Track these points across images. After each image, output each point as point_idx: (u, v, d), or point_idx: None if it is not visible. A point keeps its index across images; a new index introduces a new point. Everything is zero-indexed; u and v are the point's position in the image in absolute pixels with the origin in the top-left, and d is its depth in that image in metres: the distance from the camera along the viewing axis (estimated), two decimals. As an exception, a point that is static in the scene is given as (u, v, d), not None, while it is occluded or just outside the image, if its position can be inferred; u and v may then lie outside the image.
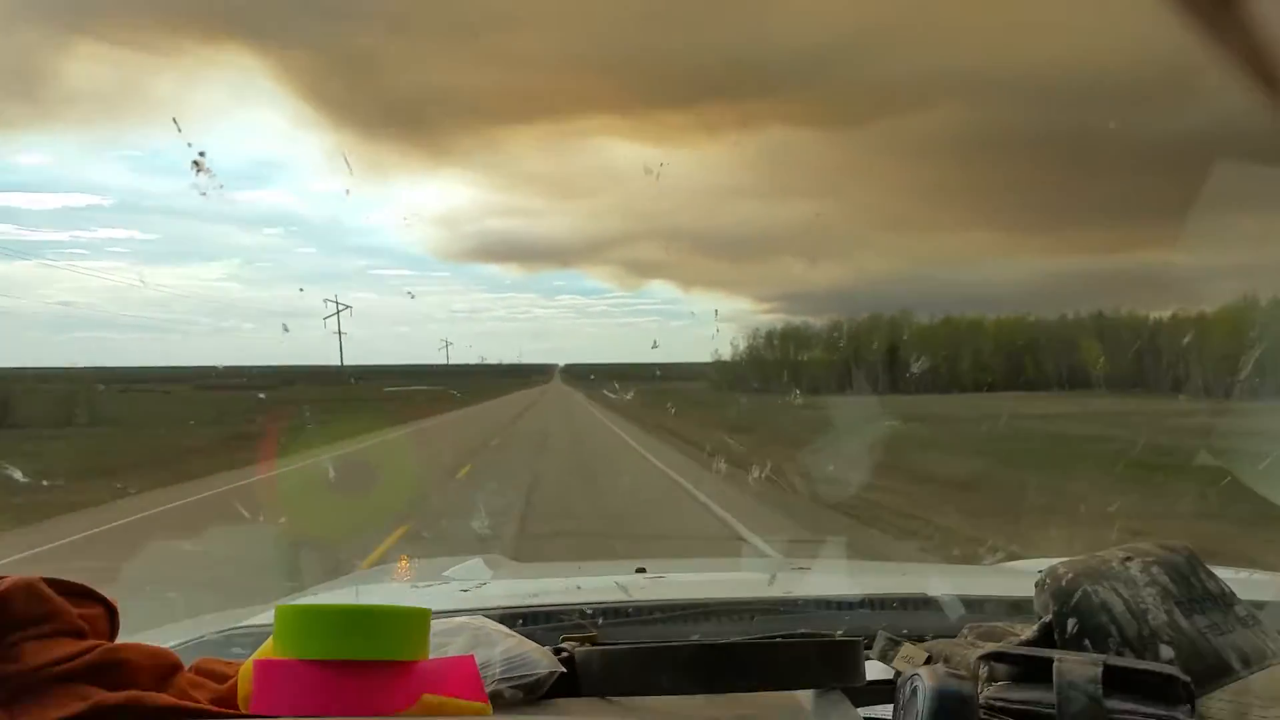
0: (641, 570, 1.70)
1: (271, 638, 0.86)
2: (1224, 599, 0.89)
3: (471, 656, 0.87)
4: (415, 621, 0.85)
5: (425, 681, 0.83)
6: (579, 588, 1.54)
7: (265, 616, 1.37)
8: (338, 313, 66.68)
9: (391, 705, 0.81)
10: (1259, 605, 1.10)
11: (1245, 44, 0.35)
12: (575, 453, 21.31)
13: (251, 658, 0.87)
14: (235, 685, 0.88)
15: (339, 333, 64.83)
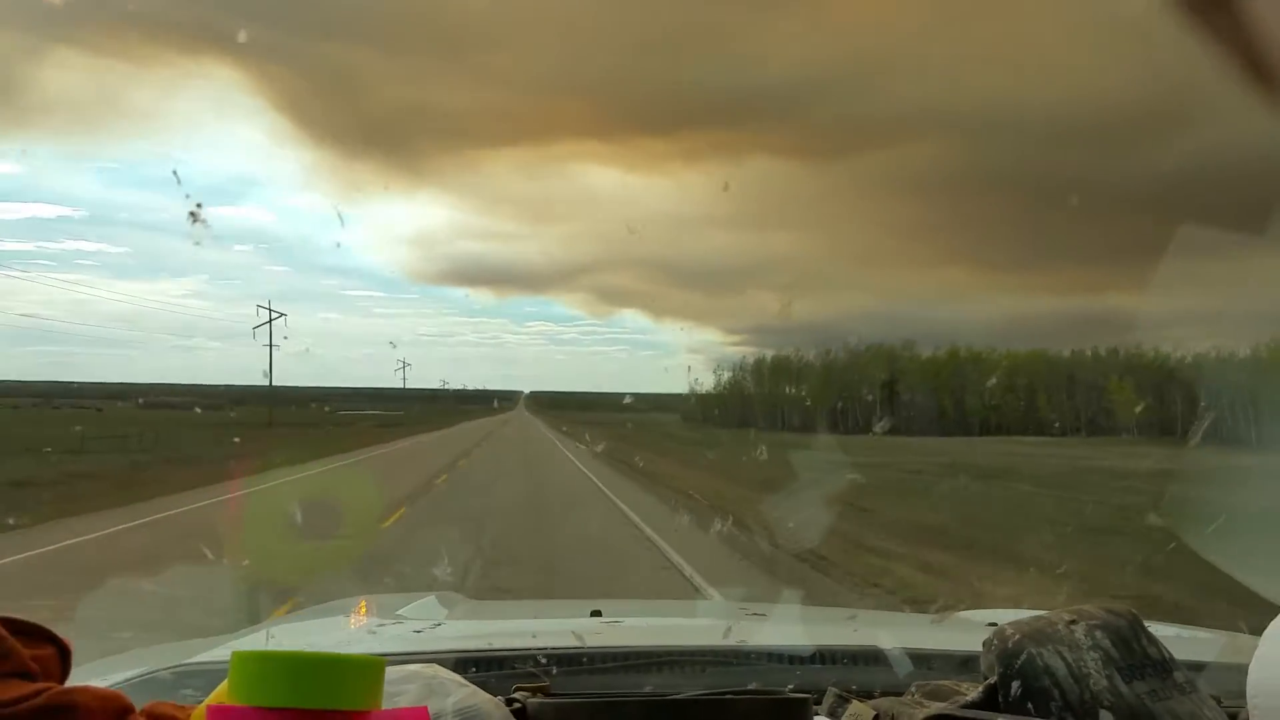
0: (597, 613, 1.70)
1: (225, 682, 0.86)
2: (1164, 665, 0.91)
3: (424, 708, 0.87)
4: (370, 671, 0.84)
5: None
6: (533, 633, 1.54)
7: (216, 653, 1.35)
8: (269, 321, 62.48)
9: None
10: (1198, 666, 1.13)
11: (1244, 46, 0.35)
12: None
13: (205, 703, 0.87)
14: None
15: (269, 345, 61.30)
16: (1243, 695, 0.95)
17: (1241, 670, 0.95)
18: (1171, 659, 0.93)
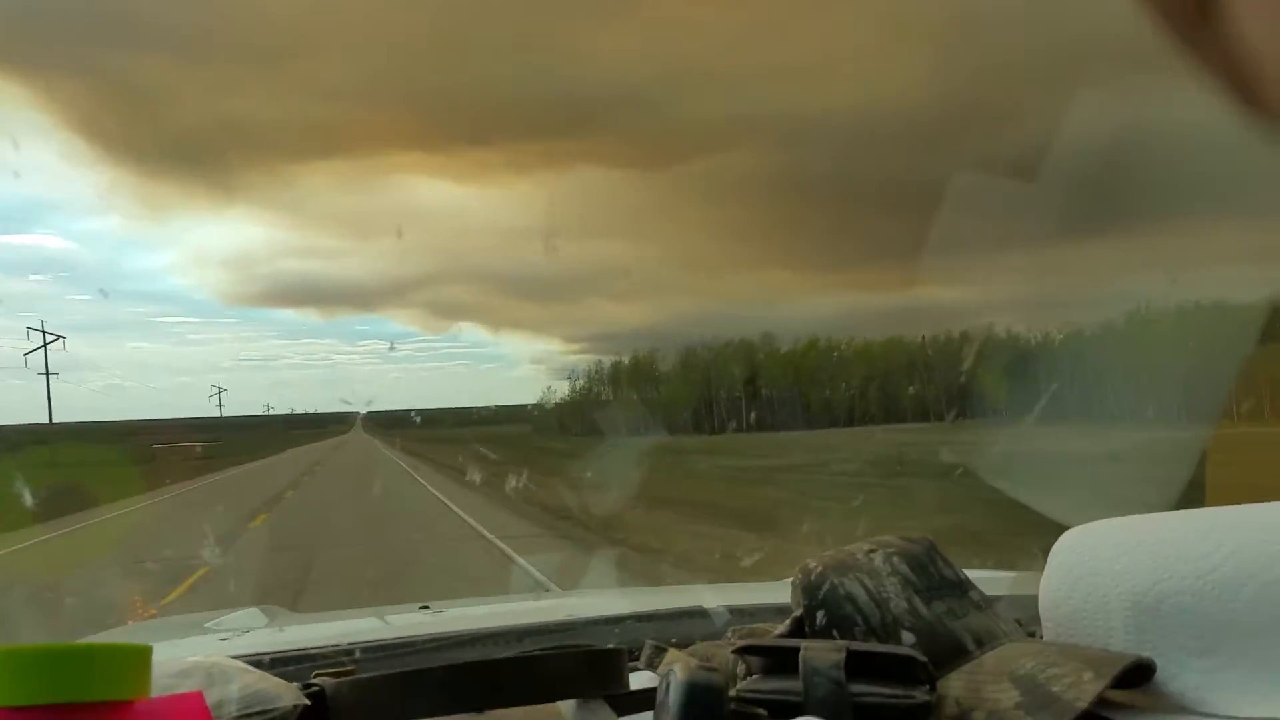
0: (426, 608, 1.64)
1: None
2: (959, 586, 0.94)
3: (199, 693, 0.79)
4: (131, 658, 0.77)
5: None
6: (345, 628, 1.46)
7: None
8: (45, 345, 56.91)
9: None
10: (995, 599, 1.18)
11: (1227, 62, 0.34)
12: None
13: None
14: None
15: (46, 373, 55.84)
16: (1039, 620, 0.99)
17: (1036, 599, 1.00)
18: (967, 580, 0.96)
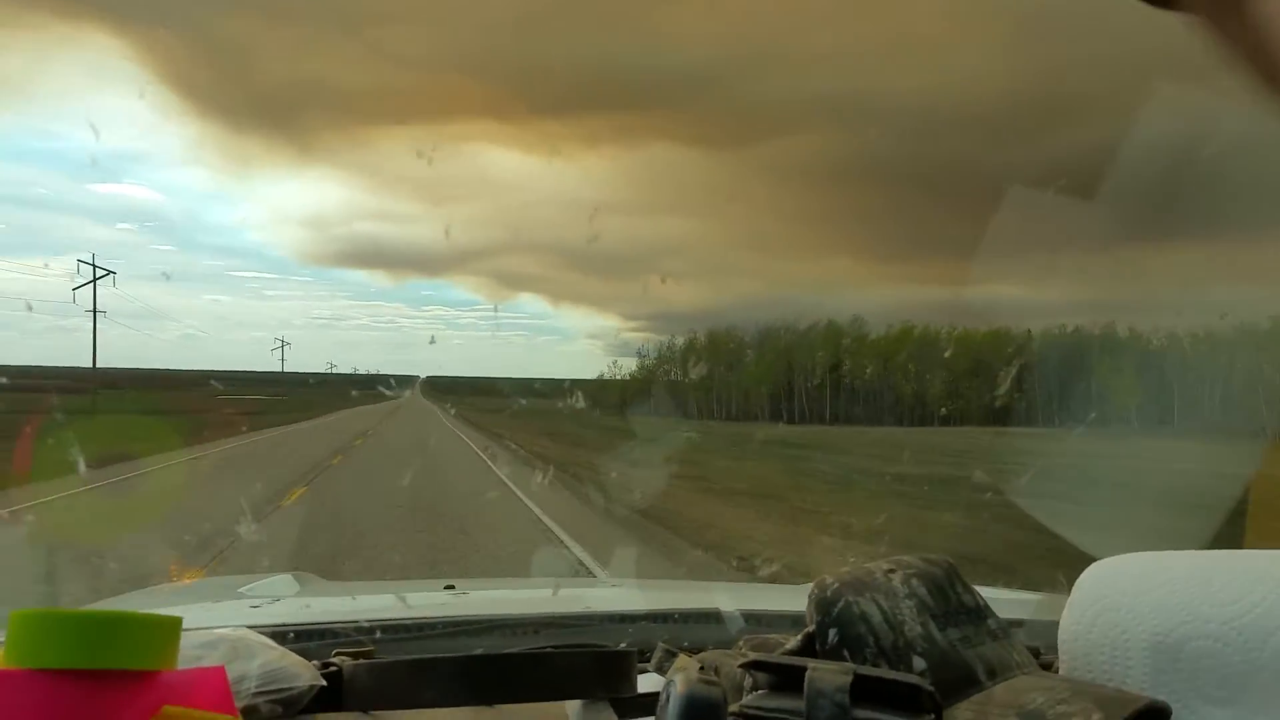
0: (450, 587, 1.67)
1: (3, 647, 0.80)
2: (977, 613, 0.93)
3: (222, 668, 0.82)
4: (162, 629, 0.80)
5: (169, 693, 0.78)
6: (368, 606, 1.49)
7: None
8: (94, 280, 49.62)
9: (129, 716, 0.76)
10: (1016, 624, 1.16)
11: (1255, 50, 0.35)
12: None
13: None
14: None
15: (94, 310, 49.15)
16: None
17: (1057, 625, 0.98)
18: (986, 607, 0.95)
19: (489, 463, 21.71)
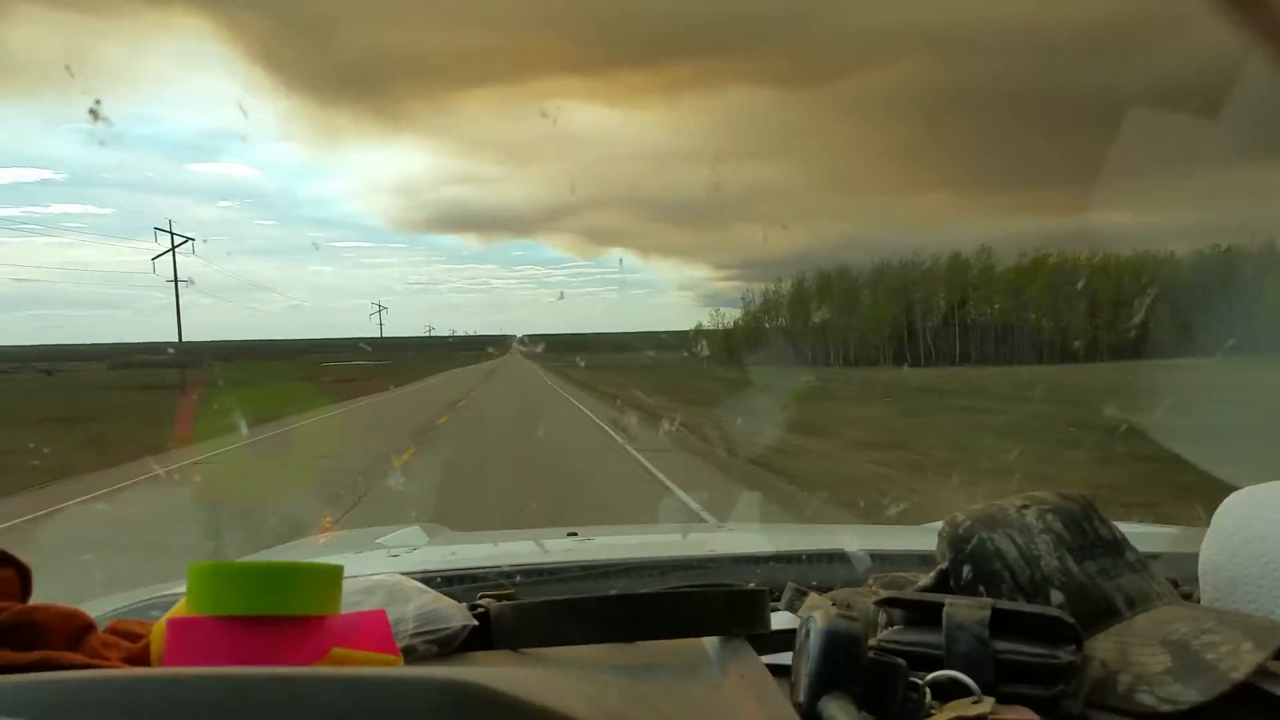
0: (573, 534, 1.72)
1: (184, 597, 0.87)
2: (1115, 545, 0.92)
3: (383, 611, 0.88)
4: (326, 577, 0.85)
5: (335, 635, 0.84)
6: (504, 553, 1.55)
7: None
8: (173, 249, 44.55)
9: (301, 658, 0.82)
10: (1152, 557, 1.14)
11: (1274, 26, 0.35)
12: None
13: (165, 617, 0.87)
14: (149, 645, 0.89)
15: (175, 280, 44.77)
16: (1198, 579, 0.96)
17: (1197, 557, 0.97)
18: (1124, 540, 0.94)
19: (618, 439, 16.57)
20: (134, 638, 0.91)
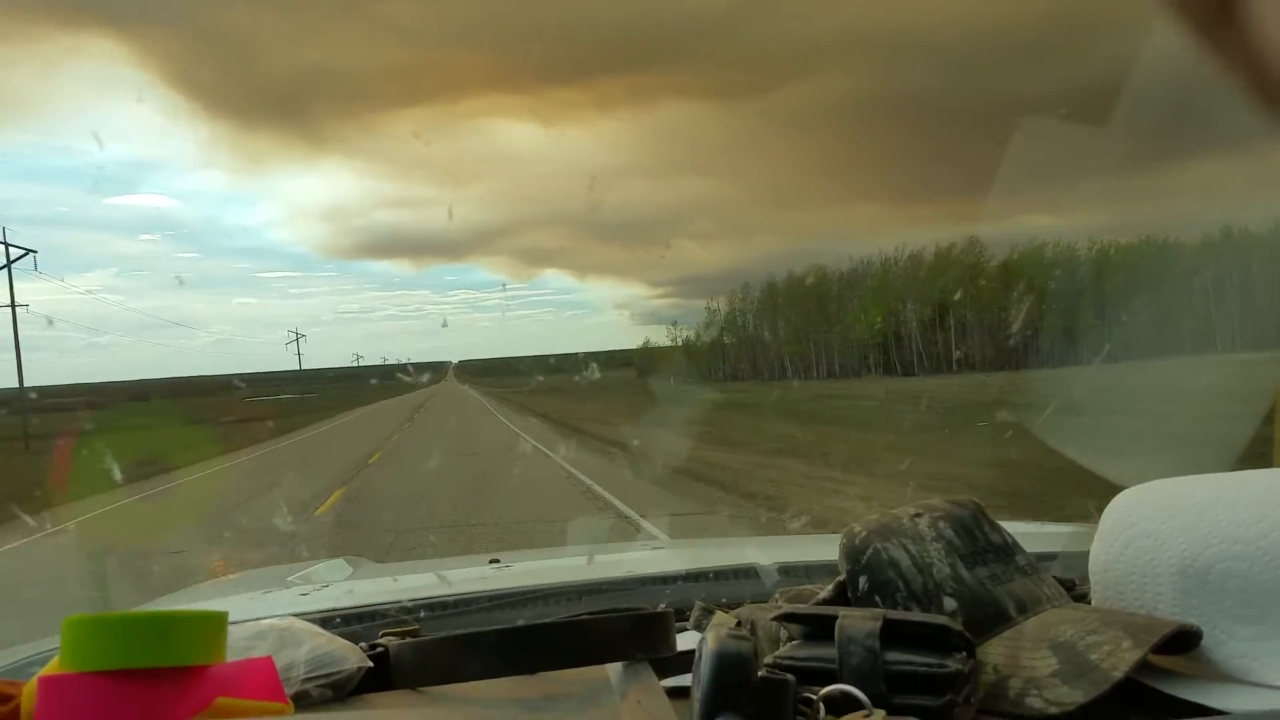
0: (495, 561, 1.70)
1: (58, 653, 0.83)
2: (1006, 550, 0.93)
3: (269, 658, 0.85)
4: (208, 625, 0.82)
5: (219, 685, 0.81)
6: (412, 586, 1.53)
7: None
8: (9, 264, 35.35)
9: (182, 711, 0.78)
10: (1048, 556, 1.17)
11: (1248, 62, 0.35)
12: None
13: (37, 675, 0.83)
14: (19, 706, 0.84)
15: (12, 304, 35.45)
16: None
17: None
18: (1014, 544, 0.95)
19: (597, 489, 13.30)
20: (3, 699, 0.86)
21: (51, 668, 0.83)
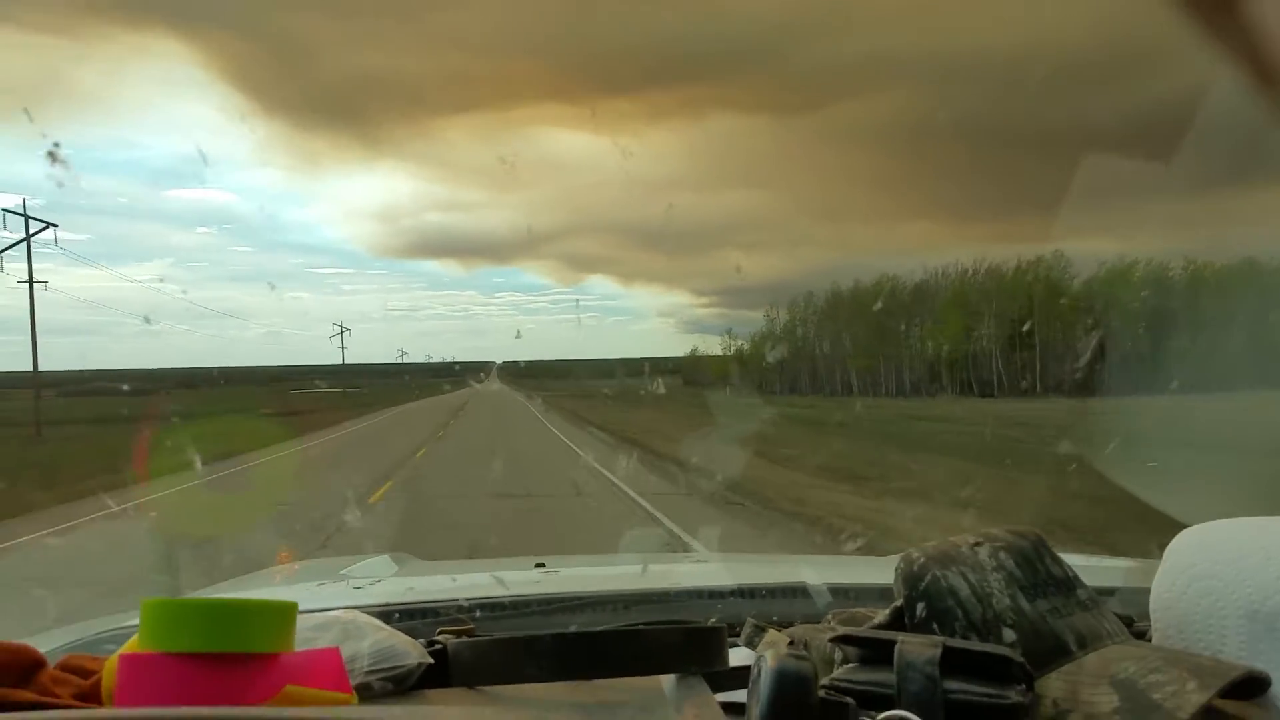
0: (540, 565, 1.72)
1: (137, 633, 0.86)
2: (1067, 583, 0.93)
3: (336, 649, 0.88)
4: (280, 614, 0.85)
5: (288, 673, 0.84)
6: (466, 585, 1.55)
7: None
8: (28, 236, 33.24)
9: (254, 697, 0.81)
10: (1107, 591, 1.15)
11: (1248, 49, 0.35)
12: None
13: (117, 652, 0.87)
14: (100, 681, 0.88)
15: (29, 281, 33.21)
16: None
17: (1149, 593, 0.98)
18: (1075, 578, 0.95)
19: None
20: (85, 674, 0.90)
21: (130, 646, 0.86)
